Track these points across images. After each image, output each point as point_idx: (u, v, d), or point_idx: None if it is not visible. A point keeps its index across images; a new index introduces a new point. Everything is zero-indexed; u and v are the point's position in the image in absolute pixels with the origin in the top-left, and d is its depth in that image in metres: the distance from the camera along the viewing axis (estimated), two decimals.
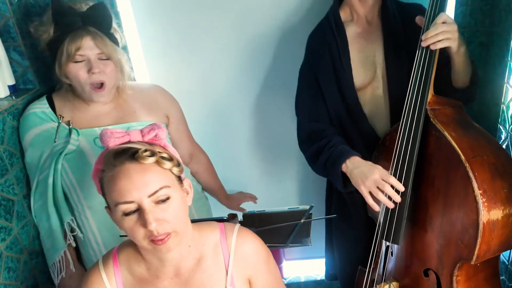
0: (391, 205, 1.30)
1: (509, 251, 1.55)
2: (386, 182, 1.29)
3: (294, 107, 1.61)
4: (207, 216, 1.69)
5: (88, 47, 1.34)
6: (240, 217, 1.36)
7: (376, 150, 1.48)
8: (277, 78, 1.88)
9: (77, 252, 1.53)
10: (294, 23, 1.78)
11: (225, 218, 1.35)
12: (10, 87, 1.51)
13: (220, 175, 1.84)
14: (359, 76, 1.48)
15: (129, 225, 0.96)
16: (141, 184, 0.94)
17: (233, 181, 1.99)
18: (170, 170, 0.99)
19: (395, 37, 1.46)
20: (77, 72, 1.35)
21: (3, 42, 1.48)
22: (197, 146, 1.75)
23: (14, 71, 1.53)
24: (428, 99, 1.28)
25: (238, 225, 1.15)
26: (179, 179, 1.03)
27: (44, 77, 1.60)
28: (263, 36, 1.81)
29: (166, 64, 1.86)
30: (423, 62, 1.28)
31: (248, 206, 1.82)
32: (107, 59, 1.37)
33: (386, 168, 1.34)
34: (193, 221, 1.10)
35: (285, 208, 1.34)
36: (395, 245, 1.41)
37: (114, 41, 1.41)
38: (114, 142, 0.98)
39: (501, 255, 1.43)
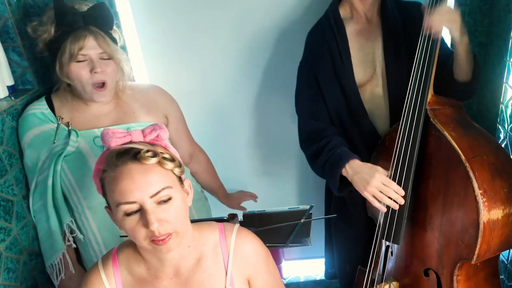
0: (396, 207, 1.31)
1: (508, 251, 1.56)
2: (388, 187, 1.30)
3: (293, 107, 1.61)
4: (207, 217, 1.69)
5: (90, 46, 1.34)
6: (240, 217, 1.36)
7: (376, 150, 1.48)
8: (276, 78, 1.88)
9: (77, 253, 1.52)
10: (293, 22, 1.78)
11: (225, 218, 1.35)
12: (9, 87, 1.50)
13: (220, 175, 1.84)
14: (358, 73, 1.48)
15: (131, 225, 0.95)
16: (143, 184, 0.94)
17: (233, 181, 1.99)
18: (172, 170, 0.99)
19: (394, 35, 1.46)
20: (79, 71, 1.35)
21: (2, 42, 1.47)
22: (196, 146, 1.75)
23: (13, 72, 1.53)
24: (428, 99, 1.28)
25: (237, 225, 1.15)
26: (180, 179, 1.03)
27: (43, 77, 1.60)
28: (262, 36, 1.81)
29: (165, 64, 1.86)
30: (423, 62, 1.28)
31: (248, 206, 1.83)
32: (109, 58, 1.37)
33: (386, 168, 1.34)
34: (192, 221, 1.10)
35: (285, 208, 1.34)
36: (395, 245, 1.41)
37: (114, 40, 1.42)
38: (116, 142, 0.98)
39: (500, 254, 1.43)
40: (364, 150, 1.48)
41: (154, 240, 0.95)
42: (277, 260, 2.22)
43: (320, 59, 1.50)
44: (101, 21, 1.36)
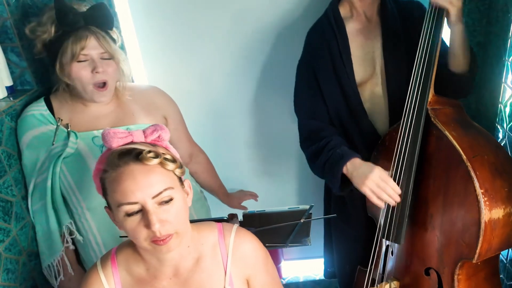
0: (392, 203, 1.32)
1: (507, 250, 1.56)
2: (385, 183, 1.30)
3: (292, 106, 1.61)
4: (206, 217, 1.68)
5: (92, 46, 1.34)
6: (240, 217, 1.35)
7: (376, 149, 1.48)
8: (276, 77, 1.88)
9: (77, 254, 1.52)
10: (292, 22, 1.78)
11: (225, 218, 1.35)
12: (7, 88, 1.50)
13: (220, 175, 1.84)
14: (358, 72, 1.49)
15: (132, 226, 0.95)
16: (145, 185, 0.94)
17: (233, 181, 1.99)
18: (173, 171, 0.99)
19: (394, 34, 1.47)
20: (80, 71, 1.34)
21: (0, 43, 1.47)
22: (196, 146, 1.75)
23: (11, 72, 1.52)
24: (429, 99, 1.28)
25: (236, 225, 1.15)
26: (180, 180, 1.03)
27: (41, 78, 1.60)
28: (261, 36, 1.81)
29: (164, 65, 1.86)
30: (424, 62, 1.28)
31: (249, 205, 1.83)
32: (110, 58, 1.37)
33: (387, 167, 1.35)
34: (191, 221, 1.10)
35: (285, 208, 1.34)
36: (396, 244, 1.41)
37: (114, 41, 1.42)
38: (117, 143, 0.98)
39: (500, 254, 1.43)
40: (363, 150, 1.48)
41: (155, 241, 0.95)
42: (277, 260, 2.23)
43: (320, 58, 1.50)
44: (101, 21, 1.36)
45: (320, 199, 1.83)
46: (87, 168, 1.40)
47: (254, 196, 1.92)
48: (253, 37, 1.81)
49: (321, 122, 1.53)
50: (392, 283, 1.45)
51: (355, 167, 1.38)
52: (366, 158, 1.44)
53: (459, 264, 1.23)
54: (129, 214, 0.95)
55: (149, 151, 0.95)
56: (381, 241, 1.44)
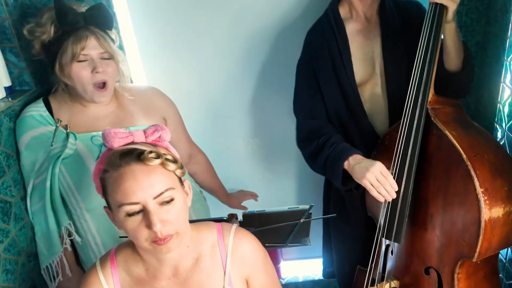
0: (389, 199, 1.32)
1: (506, 250, 1.57)
2: (385, 178, 1.31)
3: (291, 106, 1.61)
4: (206, 217, 1.68)
5: (92, 46, 1.34)
6: (240, 217, 1.35)
7: (376, 149, 1.48)
8: (275, 77, 1.88)
9: (76, 255, 1.52)
10: (291, 22, 1.78)
11: (225, 218, 1.35)
12: (6, 88, 1.49)
13: (219, 175, 1.84)
14: (358, 72, 1.49)
15: (132, 226, 0.95)
16: (147, 185, 0.94)
17: (232, 181, 1.99)
18: (174, 172, 0.99)
19: (393, 35, 1.47)
20: (80, 71, 1.34)
21: None
22: (195, 147, 1.75)
23: (10, 73, 1.52)
24: (429, 99, 1.29)
25: (235, 225, 1.16)
26: (180, 180, 1.03)
27: (40, 78, 1.59)
28: (260, 36, 1.80)
29: (163, 65, 1.86)
30: (424, 62, 1.29)
31: (249, 205, 1.83)
32: (109, 58, 1.37)
33: (387, 167, 1.34)
34: (191, 221, 1.10)
35: (285, 208, 1.34)
36: (395, 244, 1.42)
37: (113, 41, 1.41)
38: (118, 143, 0.98)
39: (499, 253, 1.44)
40: (363, 150, 1.48)
41: (155, 241, 0.95)
42: (276, 260, 2.22)
43: (319, 58, 1.50)
44: (101, 21, 1.36)
45: (318, 198, 1.83)
46: (86, 169, 1.40)
47: (254, 196, 1.92)
48: (252, 37, 1.80)
49: (320, 121, 1.53)
50: (392, 283, 1.45)
51: (356, 161, 1.38)
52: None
53: (459, 263, 1.23)
54: (130, 214, 0.94)
55: (151, 152, 0.95)
56: (381, 240, 1.45)
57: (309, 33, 1.57)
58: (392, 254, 1.46)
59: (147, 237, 0.96)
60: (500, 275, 1.59)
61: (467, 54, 1.39)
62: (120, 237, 1.38)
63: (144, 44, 1.81)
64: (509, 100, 1.50)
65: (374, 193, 1.34)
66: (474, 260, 1.18)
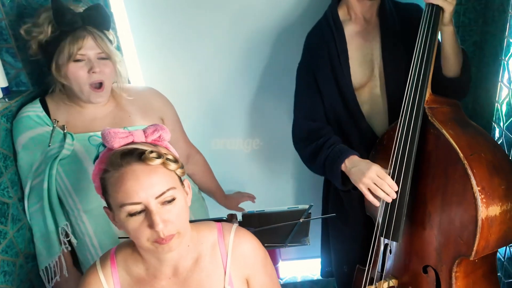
0: (389, 200, 1.32)
1: (505, 248, 1.57)
2: (382, 180, 1.31)
3: (291, 107, 1.61)
4: (205, 217, 1.68)
5: (89, 47, 1.33)
6: (239, 217, 1.35)
7: (374, 149, 1.49)
8: (273, 78, 1.88)
9: (73, 256, 1.51)
10: (291, 22, 1.78)
11: (224, 218, 1.35)
12: (3, 89, 1.49)
13: (217, 176, 1.83)
14: (357, 74, 1.49)
15: (134, 226, 0.95)
16: (148, 185, 0.94)
17: (231, 182, 1.99)
18: (175, 171, 0.99)
19: (392, 36, 1.47)
20: (77, 71, 1.34)
21: None
22: (193, 147, 1.75)
23: (7, 73, 1.51)
24: (426, 98, 1.29)
25: (235, 225, 1.16)
26: (181, 180, 1.03)
27: (37, 79, 1.59)
28: (259, 36, 1.80)
29: (160, 65, 1.85)
30: (421, 62, 1.29)
31: (247, 207, 1.82)
32: (106, 58, 1.37)
33: (385, 166, 1.35)
34: (191, 221, 1.10)
35: (284, 207, 1.34)
36: (394, 243, 1.42)
37: (110, 42, 1.41)
38: (119, 143, 0.98)
39: (497, 252, 1.44)
40: (362, 151, 1.49)
41: (157, 240, 0.95)
42: (274, 260, 2.23)
43: (318, 58, 1.50)
44: (99, 22, 1.36)
45: (317, 198, 1.83)
46: (84, 170, 1.40)
47: (251, 198, 1.92)
48: (250, 37, 1.80)
49: (319, 122, 1.53)
50: (390, 281, 1.46)
51: (353, 163, 1.38)
52: (363, 158, 1.44)
53: (457, 261, 1.24)
54: (131, 214, 0.94)
55: (152, 151, 0.95)
56: (379, 239, 1.45)
57: (308, 35, 1.57)
58: (390, 253, 1.46)
59: (149, 237, 0.96)
60: (499, 274, 1.59)
61: (465, 59, 1.40)
62: (120, 237, 1.38)
63: (141, 44, 1.81)
64: (507, 99, 1.51)
65: (369, 197, 1.34)
66: (471, 258, 1.19)
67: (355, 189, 1.42)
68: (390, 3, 1.49)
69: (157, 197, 0.94)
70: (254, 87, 1.91)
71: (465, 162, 1.16)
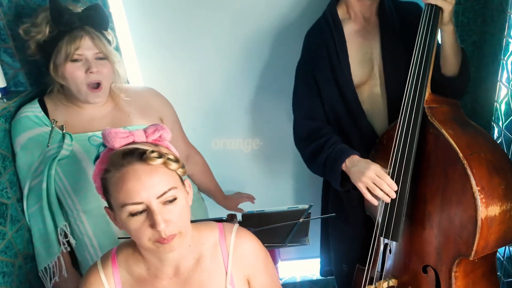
0: (387, 200, 1.32)
1: (504, 248, 1.57)
2: (382, 179, 1.31)
3: (290, 107, 1.61)
4: (204, 218, 1.68)
5: (87, 47, 1.33)
6: (239, 217, 1.35)
7: (374, 148, 1.49)
8: (273, 78, 1.88)
9: (72, 256, 1.51)
10: (290, 22, 1.78)
11: (224, 218, 1.35)
12: (1, 89, 1.48)
13: (217, 176, 1.83)
14: (356, 73, 1.49)
15: (135, 226, 0.95)
16: (150, 185, 0.94)
17: (230, 182, 1.99)
18: (176, 171, 0.99)
19: (392, 35, 1.47)
20: (75, 71, 1.34)
21: None
22: (192, 148, 1.74)
23: (5, 74, 1.51)
24: (426, 98, 1.29)
25: (236, 225, 1.16)
26: (181, 180, 1.03)
27: (35, 79, 1.58)
28: (259, 36, 1.80)
29: (159, 65, 1.85)
30: (421, 61, 1.29)
31: (246, 207, 1.82)
32: (104, 58, 1.37)
33: (385, 166, 1.35)
34: (192, 221, 1.10)
35: (284, 207, 1.34)
36: (394, 242, 1.42)
37: (108, 42, 1.41)
38: (119, 143, 0.97)
39: (497, 251, 1.44)
40: (362, 150, 1.49)
41: (159, 240, 0.95)
42: (274, 260, 2.21)
43: (318, 57, 1.50)
44: (97, 22, 1.36)
45: (317, 198, 1.83)
46: (83, 171, 1.39)
47: (251, 198, 1.92)
48: (250, 38, 1.80)
49: (319, 122, 1.53)
50: (390, 281, 1.46)
51: (353, 163, 1.39)
52: (364, 158, 1.44)
53: (457, 261, 1.24)
54: (133, 214, 0.94)
55: (153, 151, 0.95)
56: (379, 239, 1.45)
57: (307, 34, 1.57)
58: (390, 253, 1.46)
59: (150, 236, 0.96)
60: (498, 273, 1.59)
61: (464, 59, 1.40)
62: (119, 238, 1.38)
63: (140, 44, 1.80)
64: (506, 99, 1.51)
65: (368, 196, 1.35)
66: (471, 258, 1.19)
67: (355, 189, 1.42)
68: (389, 1, 1.49)
69: (158, 197, 0.94)
70: (254, 87, 1.91)
71: (465, 162, 1.16)
